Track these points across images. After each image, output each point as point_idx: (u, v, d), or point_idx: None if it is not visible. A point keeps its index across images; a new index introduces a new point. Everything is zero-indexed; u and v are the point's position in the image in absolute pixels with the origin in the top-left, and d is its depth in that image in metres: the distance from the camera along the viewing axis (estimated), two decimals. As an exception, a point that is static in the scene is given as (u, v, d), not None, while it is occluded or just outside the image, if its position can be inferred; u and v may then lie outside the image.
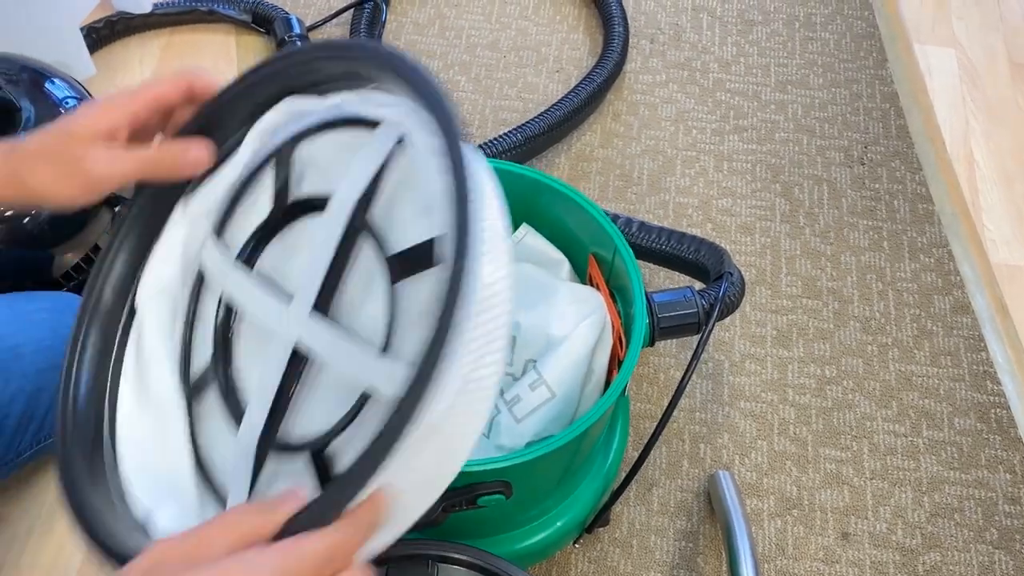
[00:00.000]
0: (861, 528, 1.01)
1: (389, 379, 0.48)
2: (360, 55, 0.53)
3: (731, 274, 0.94)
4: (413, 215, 0.52)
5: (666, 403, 1.04)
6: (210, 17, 1.36)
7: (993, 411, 1.09)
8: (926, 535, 1.01)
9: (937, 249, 1.21)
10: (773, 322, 1.14)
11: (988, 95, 1.37)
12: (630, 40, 1.36)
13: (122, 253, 0.59)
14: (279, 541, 0.41)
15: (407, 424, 0.40)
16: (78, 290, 1.05)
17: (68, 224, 1.02)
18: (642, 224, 1.07)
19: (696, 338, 0.88)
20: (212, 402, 0.58)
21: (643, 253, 1.05)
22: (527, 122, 1.21)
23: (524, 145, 1.19)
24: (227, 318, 0.59)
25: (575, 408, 0.85)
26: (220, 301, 0.59)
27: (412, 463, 0.42)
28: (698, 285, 1.04)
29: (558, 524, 0.91)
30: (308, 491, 0.44)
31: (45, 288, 0.96)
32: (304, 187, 0.58)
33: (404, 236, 0.52)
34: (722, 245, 1.19)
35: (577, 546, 0.98)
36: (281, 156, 0.59)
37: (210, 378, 0.58)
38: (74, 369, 0.56)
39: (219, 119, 0.58)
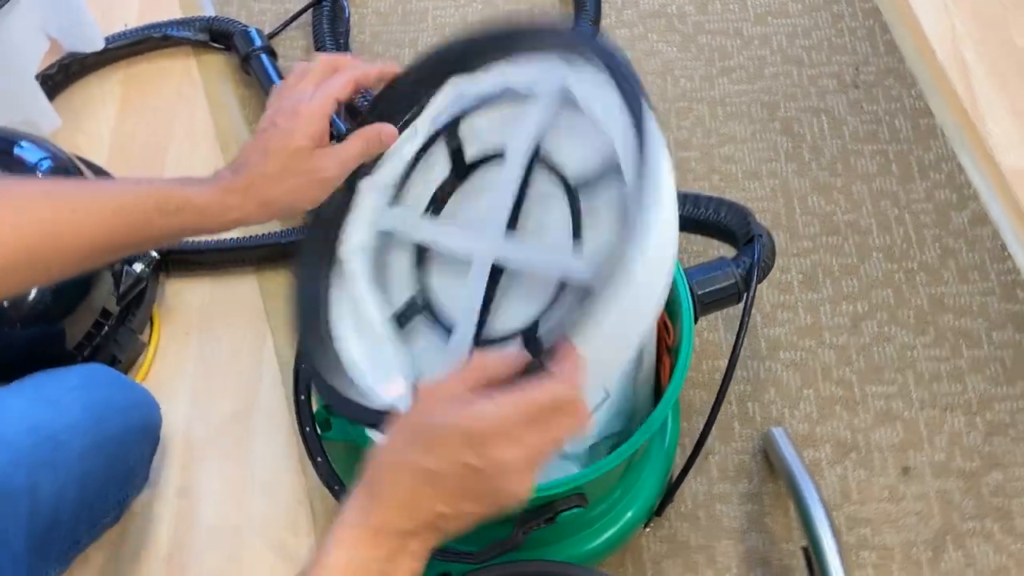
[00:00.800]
0: (920, 461, 1.01)
1: (582, 269, 0.63)
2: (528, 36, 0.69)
3: (760, 236, 0.92)
4: (581, 153, 0.67)
5: (705, 367, 1.03)
6: (166, 43, 1.30)
7: (1028, 319, 1.09)
8: (984, 456, 1.01)
9: (946, 163, 1.19)
10: (797, 266, 1.13)
11: (968, -7, 1.34)
12: (600, -5, 1.32)
13: (320, 227, 0.74)
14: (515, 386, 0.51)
15: (609, 285, 0.53)
16: (93, 358, 1.02)
17: (73, 293, 0.99)
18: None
19: (740, 307, 0.87)
20: (416, 327, 0.73)
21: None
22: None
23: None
24: (420, 260, 0.74)
25: (632, 402, 0.84)
26: (414, 250, 0.74)
27: (607, 323, 0.54)
28: (719, 250, 1.02)
29: (627, 515, 0.91)
30: None
31: (61, 363, 0.93)
32: (475, 150, 0.74)
33: (577, 166, 0.68)
34: (731, 196, 1.17)
35: (648, 529, 0.98)
36: (450, 132, 0.74)
37: (412, 310, 0.73)
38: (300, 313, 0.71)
39: (391, 107, 0.75)
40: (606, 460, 0.73)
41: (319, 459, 0.84)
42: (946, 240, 1.14)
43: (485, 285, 0.69)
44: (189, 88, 1.29)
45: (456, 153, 0.75)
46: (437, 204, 0.75)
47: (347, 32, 1.27)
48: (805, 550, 0.92)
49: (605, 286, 0.53)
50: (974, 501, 0.99)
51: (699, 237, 1.07)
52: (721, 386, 0.86)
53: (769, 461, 1.02)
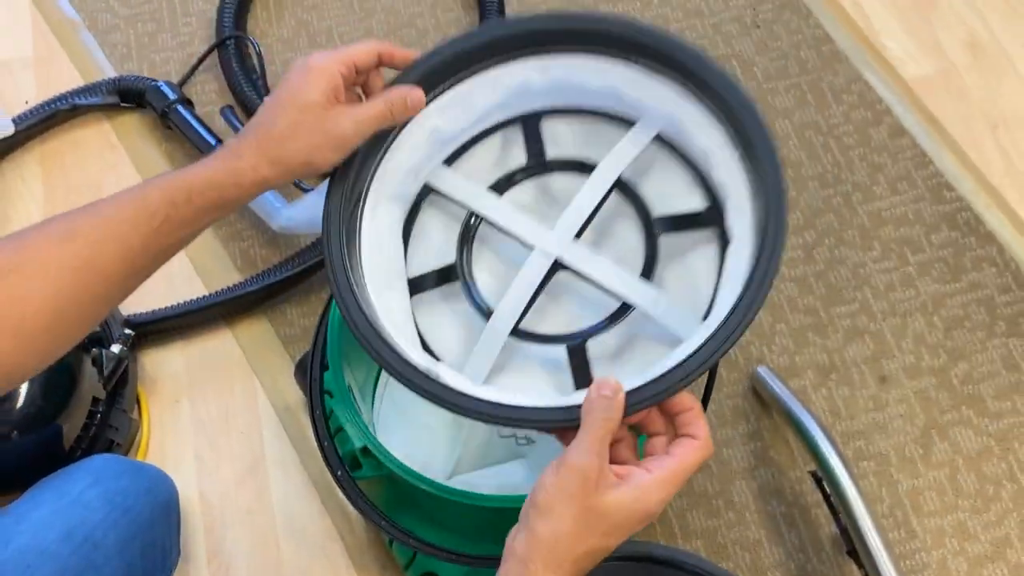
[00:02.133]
0: (894, 367, 1.09)
1: (654, 301, 0.66)
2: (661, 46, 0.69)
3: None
4: (669, 191, 0.71)
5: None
6: (75, 113, 1.27)
7: (959, 215, 1.17)
8: (948, 350, 1.10)
9: (855, 84, 1.27)
10: (743, 210, 1.19)
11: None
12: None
13: (355, 167, 0.69)
14: (672, 463, 0.56)
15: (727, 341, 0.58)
16: (91, 450, 1.01)
17: (62, 389, 0.98)
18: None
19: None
20: (434, 297, 0.73)
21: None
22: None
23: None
24: (465, 232, 0.73)
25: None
26: (466, 220, 0.73)
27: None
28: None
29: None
30: (563, 373, 0.67)
31: (60, 465, 0.92)
32: (557, 151, 0.75)
33: (663, 204, 0.71)
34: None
35: (666, 488, 1.03)
36: (528, 123, 0.75)
37: (432, 280, 0.73)
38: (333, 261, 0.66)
39: (428, 75, 0.70)
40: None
41: (359, 497, 0.86)
42: (871, 157, 1.22)
43: (541, 278, 0.68)
44: (111, 154, 1.26)
45: (535, 149, 0.74)
46: (508, 184, 0.75)
47: (262, 67, 1.26)
48: (813, 474, 0.99)
49: (723, 342, 0.58)
50: (948, 393, 1.08)
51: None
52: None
53: (760, 399, 1.08)
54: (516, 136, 0.76)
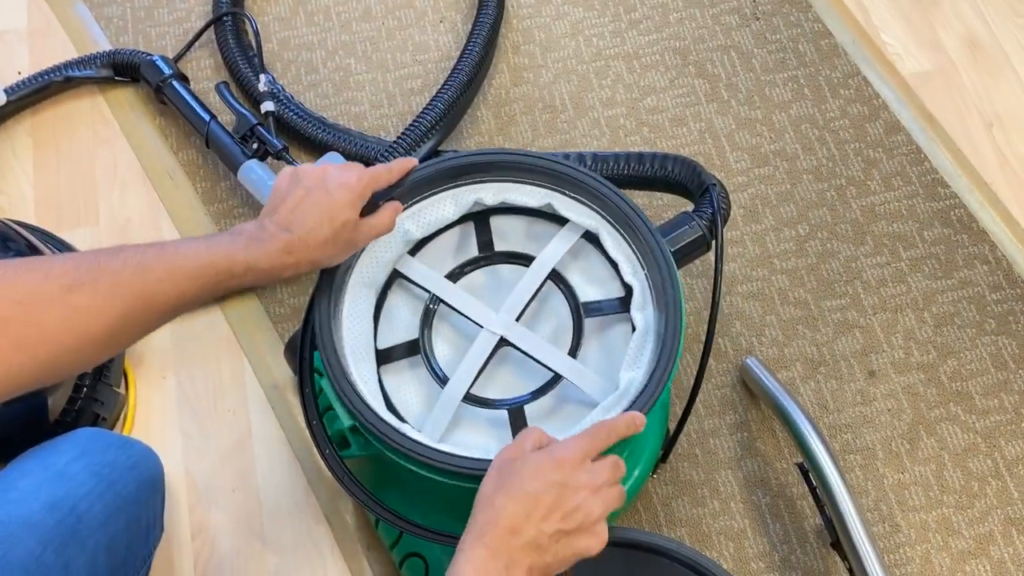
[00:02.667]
0: (883, 362, 1.09)
1: (579, 374, 0.82)
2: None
3: (715, 185, 0.96)
4: (586, 279, 0.89)
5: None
6: (68, 85, 1.26)
7: (953, 213, 1.18)
8: (937, 346, 1.10)
9: (852, 79, 1.26)
10: (737, 201, 1.19)
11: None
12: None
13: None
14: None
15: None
16: (76, 423, 1.01)
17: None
18: (595, 156, 1.07)
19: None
20: (402, 366, 0.87)
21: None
22: (439, 91, 1.18)
23: (447, 113, 1.17)
24: (427, 313, 0.88)
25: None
26: (428, 301, 0.88)
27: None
28: (662, 199, 1.06)
29: (635, 474, 0.96)
30: (505, 431, 0.82)
31: (44, 437, 0.91)
32: (503, 245, 0.91)
33: (588, 291, 0.88)
34: (662, 146, 1.23)
35: (653, 476, 1.03)
36: (480, 221, 0.91)
37: (400, 351, 0.87)
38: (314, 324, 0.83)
39: (407, 191, 0.87)
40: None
41: (346, 476, 0.85)
42: (867, 152, 1.21)
43: (488, 353, 0.83)
44: (104, 128, 1.25)
45: (486, 242, 0.91)
46: (462, 272, 0.90)
47: (259, 45, 1.25)
48: (800, 466, 0.99)
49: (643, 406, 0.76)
50: (936, 389, 1.08)
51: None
52: (708, 332, 0.91)
53: (749, 390, 1.08)
54: (469, 231, 0.92)
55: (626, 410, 0.76)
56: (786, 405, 1.01)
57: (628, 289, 0.85)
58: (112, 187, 1.21)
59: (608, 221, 0.87)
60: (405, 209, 0.89)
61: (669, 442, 0.98)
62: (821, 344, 1.10)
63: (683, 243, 0.92)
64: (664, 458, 1.00)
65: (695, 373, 0.92)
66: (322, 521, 1.02)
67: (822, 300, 1.13)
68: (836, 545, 0.95)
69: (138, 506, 0.91)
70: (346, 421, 0.85)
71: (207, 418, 1.08)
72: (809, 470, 0.98)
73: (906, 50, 1.29)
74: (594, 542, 0.65)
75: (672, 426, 0.99)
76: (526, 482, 0.64)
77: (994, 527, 1.01)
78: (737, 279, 1.14)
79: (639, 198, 1.16)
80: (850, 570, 0.93)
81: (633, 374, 0.80)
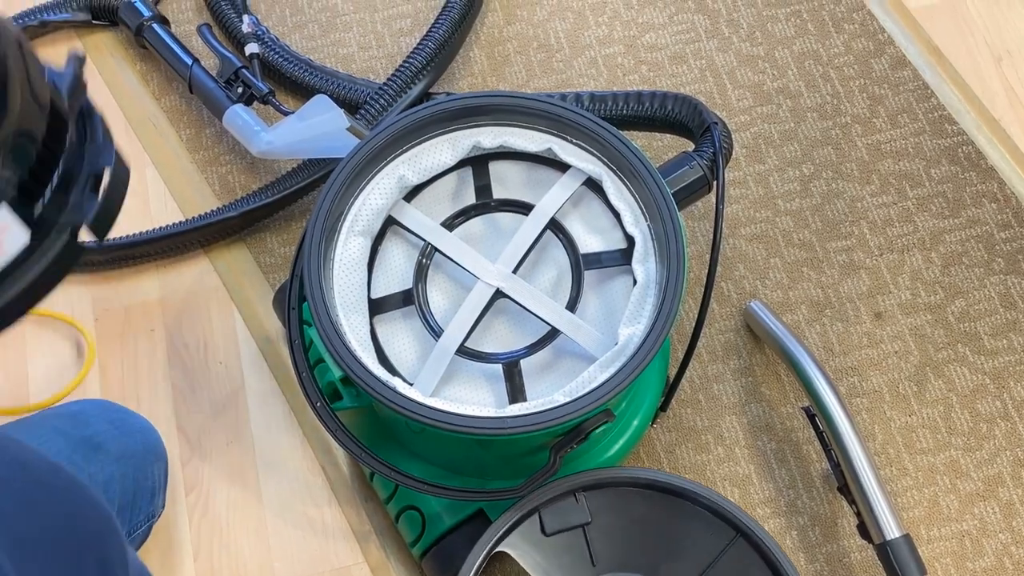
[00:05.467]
0: (889, 303, 1.07)
1: (577, 328, 0.80)
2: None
3: (716, 124, 0.93)
4: (587, 230, 0.85)
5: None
6: (44, 29, 1.21)
7: (960, 150, 1.14)
8: (945, 287, 1.07)
9: (857, 13, 1.22)
10: (740, 140, 1.15)
11: None
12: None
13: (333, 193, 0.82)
14: None
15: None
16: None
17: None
18: (592, 96, 1.04)
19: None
20: (395, 316, 0.84)
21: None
22: (429, 31, 1.14)
23: (438, 53, 1.13)
24: (422, 262, 0.84)
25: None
26: (423, 250, 0.84)
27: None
28: (661, 140, 1.03)
29: (634, 424, 0.94)
30: (500, 386, 0.80)
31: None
32: (501, 193, 0.87)
33: (588, 242, 0.85)
34: (662, 84, 1.19)
35: (655, 424, 1.01)
36: (478, 166, 0.87)
37: (394, 301, 0.84)
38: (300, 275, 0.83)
39: (399, 134, 0.84)
40: (624, 370, 0.74)
41: (338, 429, 0.83)
42: (872, 88, 1.18)
43: (484, 305, 0.81)
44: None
45: (483, 188, 0.87)
46: (458, 220, 0.87)
47: (242, -14, 1.20)
48: (806, 410, 0.97)
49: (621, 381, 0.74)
50: (944, 330, 1.06)
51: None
52: (708, 276, 0.88)
53: (753, 334, 1.06)
54: (467, 177, 0.88)
55: (623, 367, 0.74)
56: (791, 349, 0.99)
57: (630, 240, 0.82)
58: (93, 135, 1.17)
59: (610, 168, 0.84)
60: (401, 154, 0.85)
61: (669, 390, 0.96)
62: (826, 286, 1.08)
63: (683, 184, 0.90)
64: (664, 407, 0.98)
65: (695, 318, 0.90)
66: (319, 473, 1.00)
67: (827, 241, 1.10)
68: (843, 489, 0.93)
69: (145, 463, 0.90)
70: (336, 372, 0.82)
71: (198, 371, 1.05)
72: (815, 414, 0.96)
73: (912, -18, 1.24)
74: None
75: (673, 373, 0.97)
76: None
77: (1003, 468, 1.00)
78: (740, 221, 1.11)
79: (638, 139, 1.12)
80: (858, 514, 0.92)
81: (632, 330, 0.77)
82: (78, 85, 0.54)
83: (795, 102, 1.17)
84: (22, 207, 0.48)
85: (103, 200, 0.53)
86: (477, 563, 0.82)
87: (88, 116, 0.55)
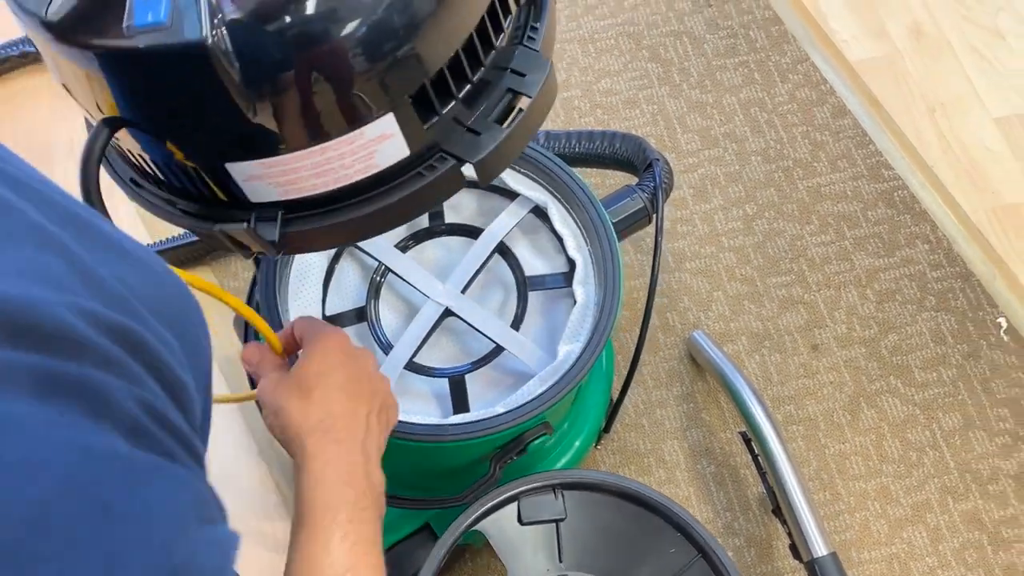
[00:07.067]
0: (826, 336, 1.12)
1: (520, 346, 0.84)
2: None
3: (658, 160, 0.99)
4: (533, 254, 0.90)
5: (624, 287, 1.10)
6: (25, 60, 1.26)
7: (896, 194, 1.21)
8: (879, 322, 1.13)
9: (801, 65, 1.29)
10: (687, 181, 1.21)
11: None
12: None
13: None
14: None
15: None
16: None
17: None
18: (547, 134, 1.09)
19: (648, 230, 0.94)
20: (349, 332, 0.86)
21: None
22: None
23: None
24: (375, 281, 0.88)
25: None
26: (376, 270, 0.88)
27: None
28: (614, 178, 1.09)
29: (576, 444, 0.97)
30: (446, 399, 0.84)
31: None
32: (454, 217, 0.92)
33: (533, 265, 0.90)
34: (616, 127, 1.25)
35: (599, 446, 1.05)
36: None
37: (348, 318, 0.88)
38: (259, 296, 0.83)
39: None
40: (562, 382, 0.78)
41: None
42: (814, 135, 1.24)
43: (433, 323, 0.85)
44: (61, 103, 1.25)
45: (436, 214, 0.92)
46: (411, 242, 0.91)
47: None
48: (743, 435, 1.01)
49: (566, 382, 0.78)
50: (877, 363, 1.11)
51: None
52: (648, 300, 0.93)
53: (696, 363, 1.10)
54: None
55: (559, 380, 0.78)
56: (731, 377, 1.04)
57: (572, 264, 0.87)
58: (70, 166, 1.21)
59: (555, 196, 0.89)
60: None
61: (612, 412, 1.00)
62: (766, 319, 1.13)
63: (625, 214, 0.95)
64: (607, 428, 1.02)
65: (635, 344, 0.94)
66: (272, 489, 1.03)
67: (768, 277, 1.15)
68: (777, 511, 0.97)
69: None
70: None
71: (160, 389, 1.08)
72: (752, 439, 1.00)
73: (854, 37, 1.32)
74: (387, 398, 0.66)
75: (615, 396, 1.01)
76: (333, 373, 0.63)
77: (931, 495, 1.04)
78: (686, 256, 1.16)
79: (592, 176, 1.18)
80: (789, 534, 0.95)
81: (571, 347, 0.81)
82: None
83: (740, 146, 1.24)
84: (419, 116, 0.48)
85: (506, 138, 0.48)
86: (451, 542, 0.81)
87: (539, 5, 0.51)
